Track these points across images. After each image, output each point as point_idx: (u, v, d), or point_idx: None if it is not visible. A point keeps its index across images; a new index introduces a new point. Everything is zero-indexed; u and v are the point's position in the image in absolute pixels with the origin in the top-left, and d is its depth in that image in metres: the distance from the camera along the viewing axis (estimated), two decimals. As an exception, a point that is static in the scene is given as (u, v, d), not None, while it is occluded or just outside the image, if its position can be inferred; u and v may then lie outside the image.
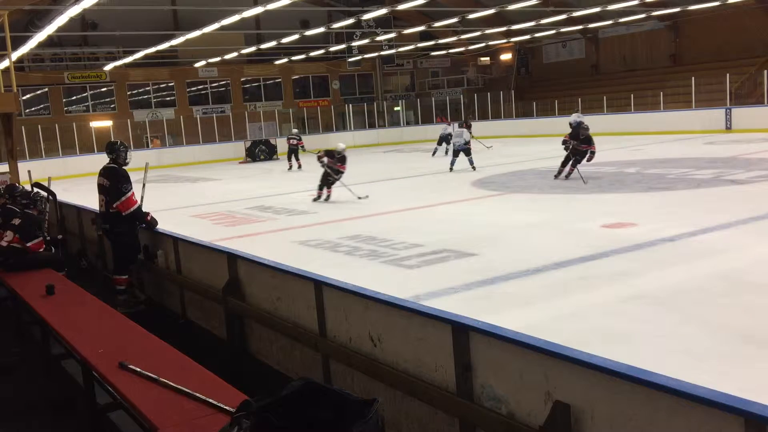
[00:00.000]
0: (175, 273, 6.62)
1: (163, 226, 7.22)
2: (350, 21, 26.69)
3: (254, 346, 5.26)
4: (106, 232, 7.23)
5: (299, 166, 23.26)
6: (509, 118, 34.59)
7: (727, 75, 26.01)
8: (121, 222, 6.91)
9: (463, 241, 8.97)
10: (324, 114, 36.94)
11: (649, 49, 33.50)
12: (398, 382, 3.51)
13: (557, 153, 21.24)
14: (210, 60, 32.44)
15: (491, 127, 30.98)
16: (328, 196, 14.12)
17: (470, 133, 19.68)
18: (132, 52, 29.14)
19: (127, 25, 27.96)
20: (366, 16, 27.30)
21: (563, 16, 27.06)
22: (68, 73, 31.99)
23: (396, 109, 40.39)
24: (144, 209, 7.12)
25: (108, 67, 31.75)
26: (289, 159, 23.75)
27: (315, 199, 14.07)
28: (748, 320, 5.38)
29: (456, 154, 18.63)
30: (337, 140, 34.66)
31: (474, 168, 18.16)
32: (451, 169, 18.52)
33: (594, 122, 26.04)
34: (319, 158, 14.16)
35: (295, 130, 25.99)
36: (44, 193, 8.87)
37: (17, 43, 20.84)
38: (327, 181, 14.14)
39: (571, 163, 14.54)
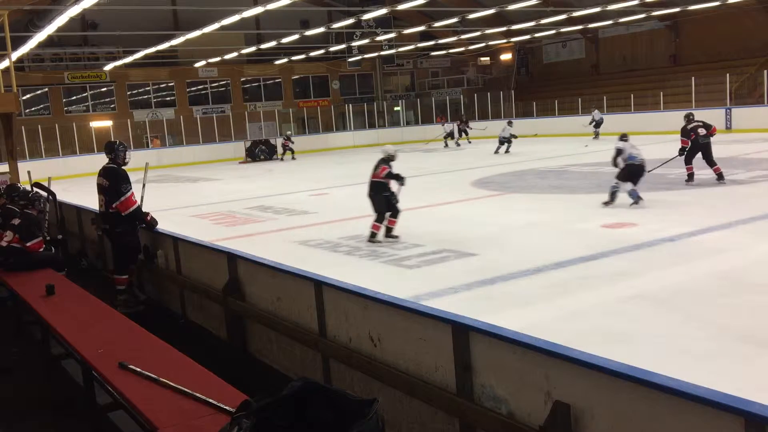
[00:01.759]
0: (175, 273, 6.61)
1: (163, 226, 7.22)
2: (350, 21, 26.67)
3: (254, 346, 5.26)
4: (106, 232, 7.23)
5: (293, 158, 29.19)
6: (509, 118, 34.52)
7: (727, 75, 26.01)
8: (121, 222, 6.90)
9: (463, 241, 8.96)
10: (324, 114, 36.94)
11: (649, 49, 33.48)
12: (398, 382, 3.51)
13: (557, 153, 21.36)
14: (210, 60, 32.43)
15: (491, 128, 30.83)
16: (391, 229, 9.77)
17: (468, 128, 20.95)
18: (132, 52, 29.13)
19: (127, 25, 27.95)
20: (366, 16, 27.29)
21: (563, 16, 27.05)
22: (68, 73, 31.97)
23: (396, 109, 40.37)
24: (144, 209, 7.11)
25: (108, 67, 31.73)
26: (283, 152, 29.88)
27: (372, 237, 9.55)
28: (748, 320, 5.39)
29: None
30: (336, 140, 35.23)
31: (458, 146, 23.55)
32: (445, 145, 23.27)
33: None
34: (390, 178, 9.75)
35: (288, 132, 31.52)
36: (44, 193, 8.87)
37: (17, 43, 20.82)
38: (393, 208, 9.73)
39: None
